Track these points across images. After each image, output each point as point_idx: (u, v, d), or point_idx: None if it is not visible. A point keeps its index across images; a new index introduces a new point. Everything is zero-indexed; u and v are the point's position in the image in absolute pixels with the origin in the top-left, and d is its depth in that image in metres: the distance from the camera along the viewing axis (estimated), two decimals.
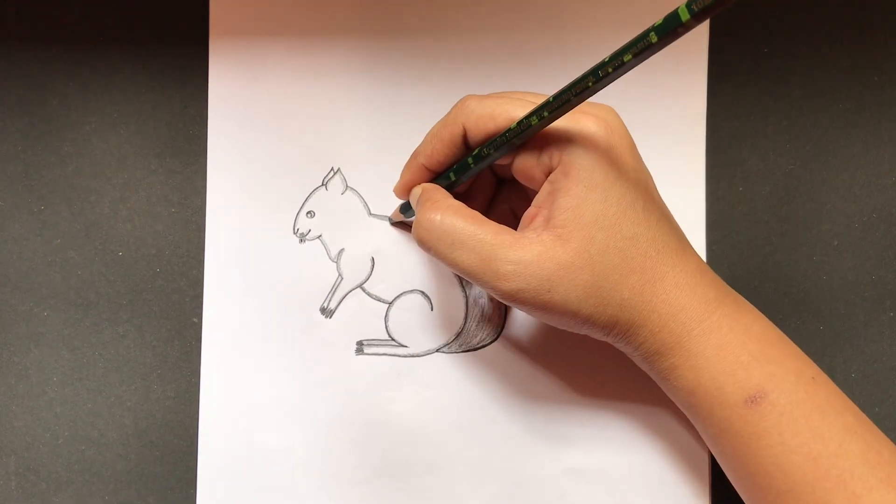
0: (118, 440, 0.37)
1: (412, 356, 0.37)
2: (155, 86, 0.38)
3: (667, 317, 0.30)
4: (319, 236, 0.37)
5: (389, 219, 0.37)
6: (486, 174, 0.35)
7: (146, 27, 0.38)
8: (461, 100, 0.32)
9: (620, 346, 0.31)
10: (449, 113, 0.32)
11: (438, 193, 0.32)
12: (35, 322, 0.37)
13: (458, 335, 0.37)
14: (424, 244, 0.31)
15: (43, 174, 0.38)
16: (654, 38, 0.24)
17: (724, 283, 0.31)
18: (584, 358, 0.36)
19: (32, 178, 0.38)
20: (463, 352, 0.37)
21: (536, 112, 0.28)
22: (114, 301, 0.37)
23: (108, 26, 0.38)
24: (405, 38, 0.37)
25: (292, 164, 0.37)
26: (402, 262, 0.37)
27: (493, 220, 0.31)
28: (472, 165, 0.32)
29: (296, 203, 0.37)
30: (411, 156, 0.34)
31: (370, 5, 0.37)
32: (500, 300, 0.30)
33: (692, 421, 0.32)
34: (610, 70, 0.26)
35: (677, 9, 0.23)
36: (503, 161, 0.31)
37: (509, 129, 0.30)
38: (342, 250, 0.37)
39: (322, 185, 0.37)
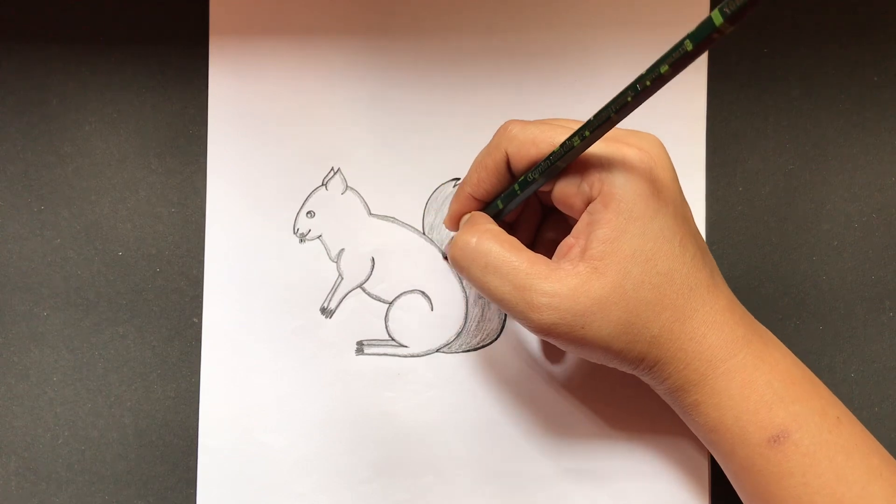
0: (118, 440, 0.37)
1: (412, 356, 0.37)
2: (155, 86, 0.38)
3: (693, 354, 0.29)
4: (319, 236, 0.37)
5: (442, 253, 0.37)
6: (532, 203, 0.34)
7: (146, 27, 0.38)
8: (503, 126, 0.31)
9: (646, 378, 0.31)
10: (491, 140, 0.32)
11: (480, 218, 0.32)
12: (35, 322, 0.37)
13: (458, 335, 0.37)
14: (458, 264, 0.31)
15: (43, 174, 0.38)
16: (689, 45, 0.24)
17: (753, 319, 0.31)
18: (584, 358, 0.36)
19: (32, 177, 0.38)
20: (463, 352, 0.37)
21: (578, 133, 0.28)
22: (114, 301, 0.37)
23: (108, 26, 0.38)
24: (405, 38, 0.37)
25: (292, 164, 0.37)
26: (402, 262, 0.37)
27: (540, 249, 0.31)
28: (518, 192, 0.31)
29: (296, 203, 0.37)
30: (459, 186, 0.34)
31: (370, 5, 0.37)
32: (532, 332, 0.30)
33: (714, 455, 0.32)
34: (648, 83, 0.26)
35: (710, 14, 0.23)
36: (546, 188, 0.31)
37: (552, 153, 0.29)
38: (342, 250, 0.37)
39: (322, 185, 0.37)
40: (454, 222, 0.34)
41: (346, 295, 0.37)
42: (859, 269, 0.37)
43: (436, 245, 0.37)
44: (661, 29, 0.36)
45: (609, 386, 0.36)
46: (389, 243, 0.37)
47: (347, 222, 0.37)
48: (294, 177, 0.37)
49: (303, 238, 0.37)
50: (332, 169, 0.37)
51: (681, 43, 0.24)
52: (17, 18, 0.38)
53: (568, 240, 0.30)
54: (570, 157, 0.29)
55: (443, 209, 0.37)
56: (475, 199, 0.33)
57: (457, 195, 0.34)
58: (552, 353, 0.37)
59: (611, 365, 0.31)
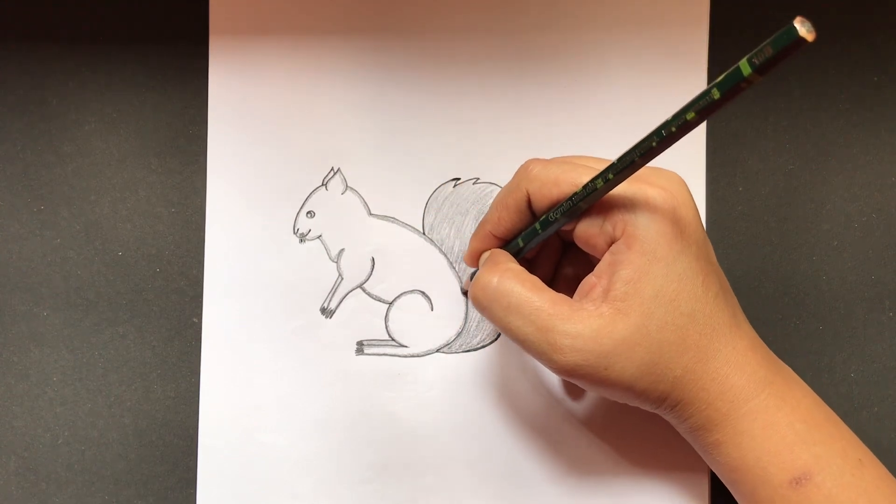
0: (118, 440, 0.37)
1: (412, 356, 0.37)
2: (155, 86, 0.38)
3: (715, 395, 0.29)
4: (319, 236, 0.37)
5: (462, 289, 0.37)
6: (552, 239, 0.34)
7: (146, 27, 0.38)
8: (524, 165, 0.31)
9: (667, 417, 0.31)
10: (512, 179, 0.32)
11: (501, 256, 0.32)
12: (35, 322, 0.37)
13: (458, 335, 0.37)
14: (479, 304, 0.31)
15: (42, 174, 0.38)
16: (716, 94, 0.24)
17: (775, 358, 0.31)
18: None
19: (32, 177, 0.38)
20: (463, 352, 0.37)
21: (602, 175, 0.28)
22: (114, 301, 0.37)
23: (107, 26, 0.38)
24: (405, 37, 0.37)
25: (292, 164, 0.37)
26: (402, 262, 0.37)
27: (560, 284, 0.31)
28: (539, 231, 0.31)
29: (296, 203, 0.37)
30: (479, 224, 0.34)
31: (370, 5, 0.37)
32: (555, 373, 0.30)
33: (734, 495, 0.32)
34: (673, 129, 0.25)
35: (738, 63, 0.23)
36: (567, 227, 0.31)
37: (575, 194, 0.29)
38: (342, 250, 0.37)
39: (322, 185, 0.37)
40: (474, 259, 0.34)
41: (346, 295, 0.37)
42: (859, 269, 0.37)
43: (436, 245, 0.37)
44: (662, 29, 0.36)
45: None
46: (389, 243, 0.37)
47: (347, 222, 0.37)
48: (294, 177, 0.37)
49: (303, 238, 0.37)
50: (332, 169, 0.37)
51: (707, 91, 0.24)
52: (17, 18, 0.38)
53: (590, 279, 0.30)
54: (593, 199, 0.29)
55: (443, 209, 0.37)
56: (495, 236, 0.33)
57: (476, 233, 0.34)
58: None
59: (632, 404, 0.31)
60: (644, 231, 0.29)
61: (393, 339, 0.37)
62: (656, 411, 0.31)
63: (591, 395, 0.36)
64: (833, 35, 0.37)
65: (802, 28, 0.22)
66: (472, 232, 0.36)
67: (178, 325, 0.37)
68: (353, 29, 0.37)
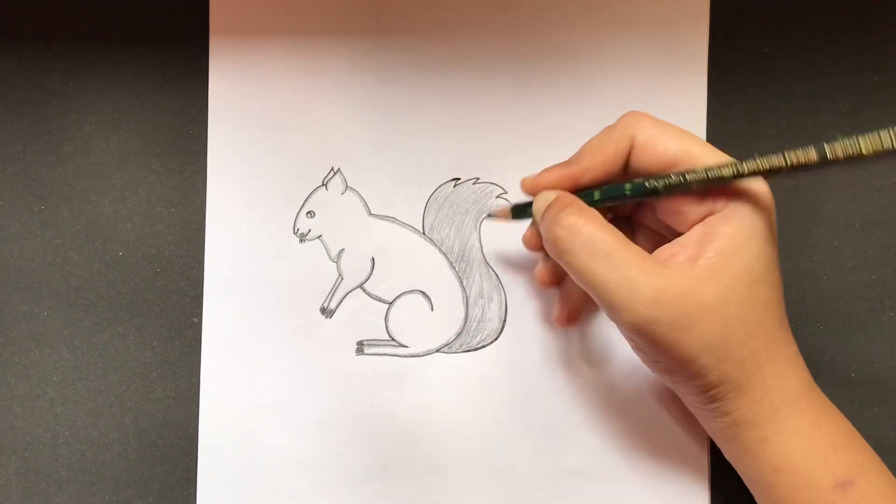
0: (118, 440, 0.37)
1: (412, 356, 0.37)
2: (155, 86, 0.38)
3: (772, 388, 0.29)
4: (319, 236, 0.37)
5: (489, 214, 0.36)
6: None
7: (146, 27, 0.38)
8: (630, 113, 0.31)
9: (708, 408, 0.30)
10: (616, 125, 0.31)
11: (580, 202, 0.31)
12: (35, 322, 0.37)
13: (458, 335, 0.37)
14: (561, 245, 0.29)
15: (43, 174, 0.38)
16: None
17: None
18: (584, 358, 0.36)
19: (32, 177, 0.38)
20: (463, 352, 0.37)
21: (733, 166, 0.28)
22: (114, 301, 0.37)
23: (107, 26, 0.38)
24: (406, 37, 0.37)
25: (292, 164, 0.37)
26: (402, 262, 0.37)
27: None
28: (627, 194, 0.30)
29: (296, 203, 0.37)
30: (561, 163, 0.32)
31: (370, 5, 0.37)
32: (625, 327, 0.29)
33: (764, 497, 0.31)
34: (841, 156, 0.26)
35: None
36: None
37: (691, 175, 0.29)
38: (342, 250, 0.37)
39: (322, 185, 0.37)
40: (535, 189, 0.33)
41: (346, 295, 0.37)
42: (859, 269, 0.37)
43: (436, 245, 0.37)
44: (662, 29, 0.36)
45: (610, 386, 0.36)
46: (389, 243, 0.37)
47: (347, 222, 0.37)
48: (294, 177, 0.37)
49: (303, 238, 0.37)
50: (332, 169, 0.37)
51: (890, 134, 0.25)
52: (17, 18, 0.38)
53: (671, 247, 0.30)
54: (707, 185, 0.29)
55: (443, 209, 0.37)
56: (574, 180, 0.31)
57: (555, 167, 0.32)
58: (553, 353, 0.37)
59: (682, 384, 0.30)
60: (747, 211, 0.29)
61: (393, 339, 0.37)
62: (701, 399, 0.30)
63: (592, 395, 0.36)
64: (833, 35, 0.37)
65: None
66: (472, 230, 0.36)
67: (178, 325, 0.37)
68: (353, 29, 0.37)
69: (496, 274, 0.37)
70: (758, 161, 0.28)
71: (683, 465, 0.36)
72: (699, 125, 0.37)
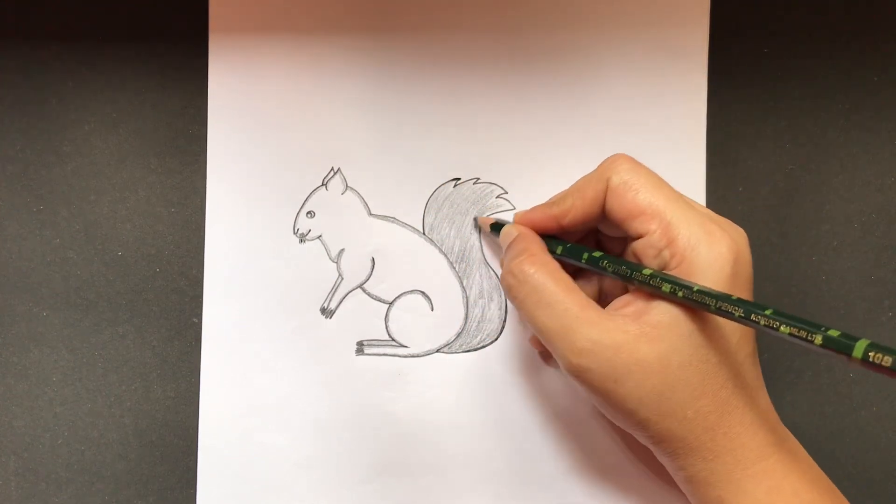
0: (118, 440, 0.37)
1: (412, 356, 0.37)
2: (154, 85, 0.38)
3: (723, 449, 0.29)
4: (319, 236, 0.37)
5: (475, 219, 0.37)
6: (587, 238, 0.34)
7: (145, 26, 0.38)
8: (614, 156, 0.31)
9: (664, 460, 0.31)
10: (598, 169, 0.31)
11: (535, 246, 0.32)
12: (34, 322, 0.37)
13: (458, 335, 0.37)
14: (511, 293, 0.31)
15: (42, 174, 0.38)
16: (818, 340, 0.24)
17: (785, 428, 0.31)
18: None
19: (32, 177, 0.38)
20: (463, 352, 0.37)
21: (675, 283, 0.28)
22: (113, 301, 0.37)
23: (107, 25, 0.38)
24: (406, 37, 0.37)
25: (292, 164, 0.37)
26: (402, 263, 0.37)
27: (581, 280, 0.31)
28: (582, 262, 0.31)
29: (296, 203, 0.37)
30: (548, 203, 0.33)
31: (370, 5, 0.37)
32: (565, 371, 0.30)
33: None
34: (771, 325, 0.25)
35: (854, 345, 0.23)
36: (615, 233, 0.31)
37: (638, 277, 0.29)
38: (342, 250, 0.37)
39: (322, 185, 0.37)
40: (517, 221, 0.34)
41: (347, 295, 0.37)
42: (859, 269, 0.37)
43: (436, 245, 0.37)
44: (662, 29, 0.36)
45: None
46: (389, 243, 0.37)
47: (347, 222, 0.37)
48: (294, 177, 0.37)
49: (303, 238, 0.37)
50: (332, 169, 0.37)
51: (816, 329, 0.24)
52: (16, 18, 0.38)
53: (627, 297, 0.30)
54: (646, 289, 0.29)
55: (443, 209, 0.37)
56: (555, 220, 0.32)
57: (536, 209, 0.33)
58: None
59: (633, 432, 0.30)
60: (702, 273, 0.28)
61: (393, 339, 0.37)
62: (654, 448, 0.30)
63: None
64: (833, 35, 0.37)
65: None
66: (472, 230, 0.36)
67: (178, 325, 0.37)
68: (353, 28, 0.37)
69: (496, 274, 0.37)
70: (692, 294, 0.27)
71: None
72: (699, 125, 0.37)
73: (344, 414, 0.37)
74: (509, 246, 0.33)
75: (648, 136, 0.37)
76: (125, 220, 0.37)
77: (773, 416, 0.30)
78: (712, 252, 0.29)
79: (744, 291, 0.29)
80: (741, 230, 0.30)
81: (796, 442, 0.31)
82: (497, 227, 0.35)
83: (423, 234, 0.37)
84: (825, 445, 0.36)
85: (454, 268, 0.37)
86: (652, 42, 0.37)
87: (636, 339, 0.28)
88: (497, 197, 0.37)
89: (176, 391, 0.37)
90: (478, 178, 0.37)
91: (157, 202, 0.37)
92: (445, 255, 0.37)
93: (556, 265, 0.31)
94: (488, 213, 0.37)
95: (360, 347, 0.37)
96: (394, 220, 0.37)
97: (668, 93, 0.37)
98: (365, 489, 0.36)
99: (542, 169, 0.37)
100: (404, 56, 0.37)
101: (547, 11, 0.37)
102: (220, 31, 0.37)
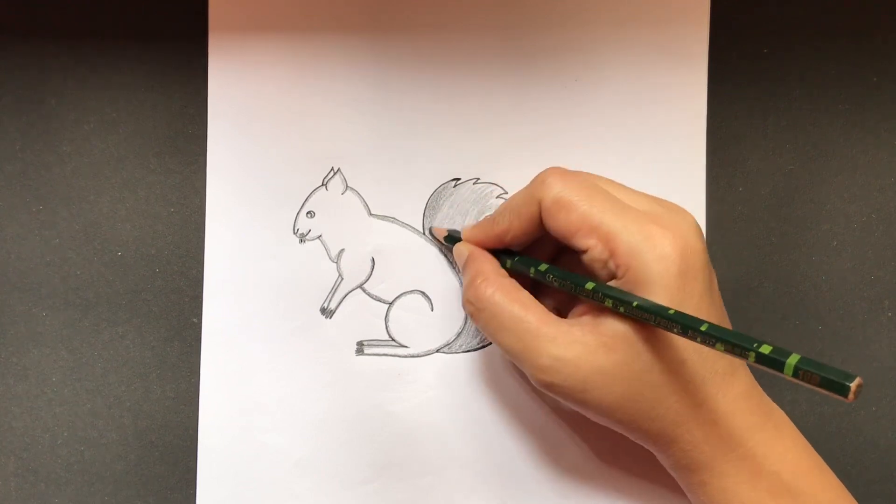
0: (118, 440, 0.37)
1: (412, 356, 0.37)
2: (154, 85, 0.38)
3: (701, 438, 0.29)
4: (319, 236, 0.37)
5: (430, 229, 0.37)
6: (548, 242, 0.34)
7: (145, 26, 0.38)
8: (543, 173, 0.31)
9: (651, 450, 0.31)
10: (527, 187, 0.32)
11: (488, 266, 0.32)
12: (34, 322, 0.37)
13: (458, 335, 0.37)
14: (473, 319, 0.32)
15: (41, 174, 0.37)
16: (752, 357, 0.24)
17: (770, 404, 0.31)
18: None
19: (31, 177, 0.37)
20: (463, 352, 0.37)
21: (621, 303, 0.28)
22: (113, 301, 0.37)
23: (106, 25, 0.38)
24: (406, 37, 0.37)
25: (292, 164, 0.37)
26: (403, 262, 0.37)
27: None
28: (531, 275, 0.32)
29: (296, 203, 0.37)
30: (488, 221, 0.33)
31: (370, 4, 0.37)
32: (536, 386, 0.30)
33: None
34: (705, 341, 0.25)
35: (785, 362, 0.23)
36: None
37: (582, 292, 0.29)
38: (342, 250, 0.37)
39: (322, 185, 0.37)
40: (466, 238, 0.34)
41: (346, 295, 0.37)
42: (859, 269, 0.37)
43: (436, 245, 0.37)
44: (662, 29, 0.36)
45: None
46: (389, 243, 0.37)
47: (347, 222, 0.37)
48: (294, 177, 0.37)
49: (303, 238, 0.37)
50: (332, 169, 0.37)
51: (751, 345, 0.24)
52: (16, 18, 0.38)
53: (583, 306, 0.31)
54: (594, 303, 0.29)
55: (443, 209, 0.37)
56: (498, 240, 0.33)
57: (478, 226, 0.34)
58: None
59: (616, 430, 0.31)
60: (647, 280, 0.28)
61: (393, 339, 0.37)
62: (641, 443, 0.31)
63: None
64: (833, 35, 0.37)
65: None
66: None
67: (178, 325, 0.37)
68: (353, 28, 0.37)
69: None
70: (631, 310, 0.28)
71: None
72: (699, 125, 0.37)
73: (344, 414, 0.37)
74: (464, 268, 0.33)
75: (648, 136, 0.37)
76: (124, 220, 0.37)
77: (756, 397, 0.30)
78: (655, 254, 0.28)
79: (697, 282, 0.29)
80: (687, 216, 0.30)
81: (783, 417, 0.31)
82: (451, 239, 0.35)
83: (423, 234, 0.37)
84: (825, 445, 0.36)
85: (454, 268, 0.37)
86: (652, 42, 0.37)
87: (595, 350, 0.29)
88: (497, 197, 0.37)
89: (176, 391, 0.37)
90: (478, 178, 0.37)
91: (156, 202, 0.37)
92: (445, 256, 0.37)
93: (511, 283, 0.31)
94: (488, 214, 0.37)
95: (360, 347, 0.37)
96: (394, 220, 0.37)
97: (668, 93, 0.37)
98: (365, 489, 0.36)
99: (542, 169, 0.37)
100: (404, 56, 0.37)
101: (547, 11, 0.37)
102: (220, 31, 0.37)
